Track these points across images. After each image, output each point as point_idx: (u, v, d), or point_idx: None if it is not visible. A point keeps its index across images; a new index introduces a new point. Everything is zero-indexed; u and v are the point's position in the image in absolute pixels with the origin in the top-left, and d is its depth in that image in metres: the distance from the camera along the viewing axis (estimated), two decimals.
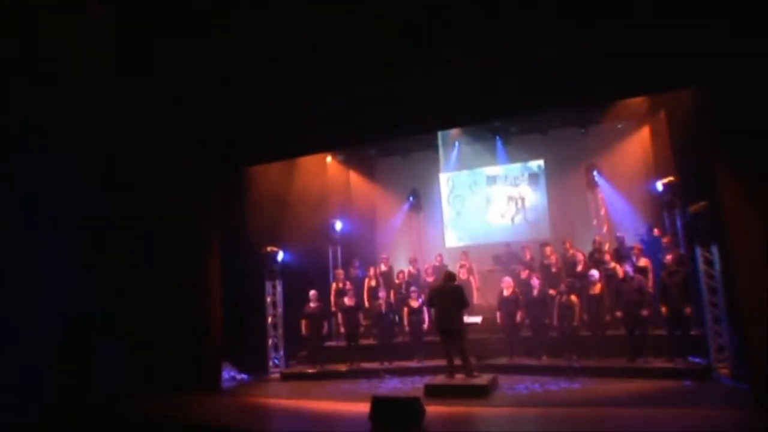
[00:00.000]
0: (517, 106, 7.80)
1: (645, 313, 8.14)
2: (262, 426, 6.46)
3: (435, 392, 7.09)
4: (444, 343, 7.56)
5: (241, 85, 8.30)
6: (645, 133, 10.86)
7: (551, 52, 6.65)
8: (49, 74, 7.53)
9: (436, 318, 7.66)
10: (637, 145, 10.95)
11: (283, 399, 7.94)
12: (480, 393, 7.21)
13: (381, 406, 5.55)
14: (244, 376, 9.77)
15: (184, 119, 8.33)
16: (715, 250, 7.26)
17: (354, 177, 13.04)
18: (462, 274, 10.28)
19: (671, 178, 9.42)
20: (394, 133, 9.26)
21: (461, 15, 6.90)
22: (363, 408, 6.58)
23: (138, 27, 7.40)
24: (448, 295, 7.67)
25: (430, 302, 7.88)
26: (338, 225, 11.99)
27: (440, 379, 7.80)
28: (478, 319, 8.27)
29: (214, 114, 8.49)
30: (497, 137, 11.76)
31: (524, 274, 9.41)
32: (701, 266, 7.55)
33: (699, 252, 7.58)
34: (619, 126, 11.01)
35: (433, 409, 5.78)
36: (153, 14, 7.38)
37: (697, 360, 7.82)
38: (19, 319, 6.97)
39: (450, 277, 8.00)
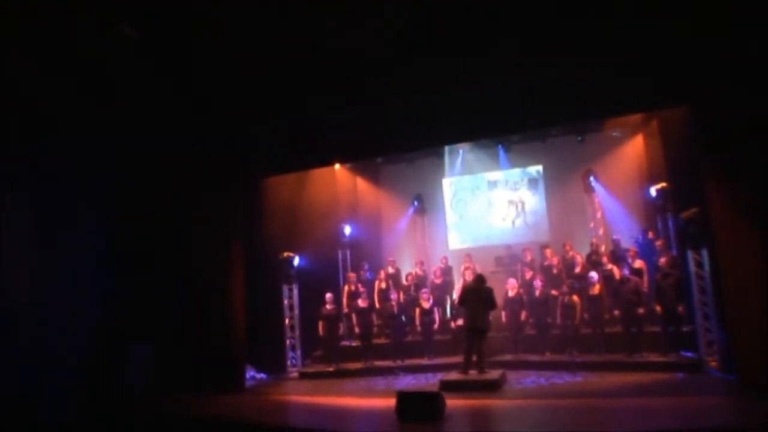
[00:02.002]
0: (519, 123, 8.28)
1: (641, 311, 8.70)
2: (292, 421, 6.92)
3: (450, 387, 7.58)
4: (469, 340, 8.05)
5: (256, 100, 8.73)
6: (639, 141, 11.37)
7: (552, 72, 7.21)
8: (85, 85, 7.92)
9: (468, 317, 8.13)
10: (632, 152, 11.46)
11: (307, 396, 8.38)
12: (492, 387, 7.73)
13: (406, 400, 6.04)
14: (263, 375, 10.23)
15: (209, 136, 8.79)
16: (705, 253, 7.79)
17: (361, 183, 13.51)
18: (467, 276, 10.77)
19: (664, 184, 9.92)
20: (405, 148, 9.78)
21: (467, 37, 7.38)
22: (383, 403, 7.07)
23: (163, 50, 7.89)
24: (481, 295, 8.17)
25: (462, 302, 8.35)
26: (347, 230, 12.46)
27: (454, 374, 8.30)
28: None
29: (233, 129, 8.93)
30: (499, 145, 12.26)
31: (529, 275, 9.91)
32: (692, 268, 8.09)
33: (690, 255, 8.11)
34: (614, 134, 11.51)
35: (450, 402, 6.29)
36: (175, 36, 7.81)
37: (688, 354, 8.35)
38: (57, 323, 7.31)
39: (481, 279, 8.49)
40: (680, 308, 8.19)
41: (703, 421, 5.36)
